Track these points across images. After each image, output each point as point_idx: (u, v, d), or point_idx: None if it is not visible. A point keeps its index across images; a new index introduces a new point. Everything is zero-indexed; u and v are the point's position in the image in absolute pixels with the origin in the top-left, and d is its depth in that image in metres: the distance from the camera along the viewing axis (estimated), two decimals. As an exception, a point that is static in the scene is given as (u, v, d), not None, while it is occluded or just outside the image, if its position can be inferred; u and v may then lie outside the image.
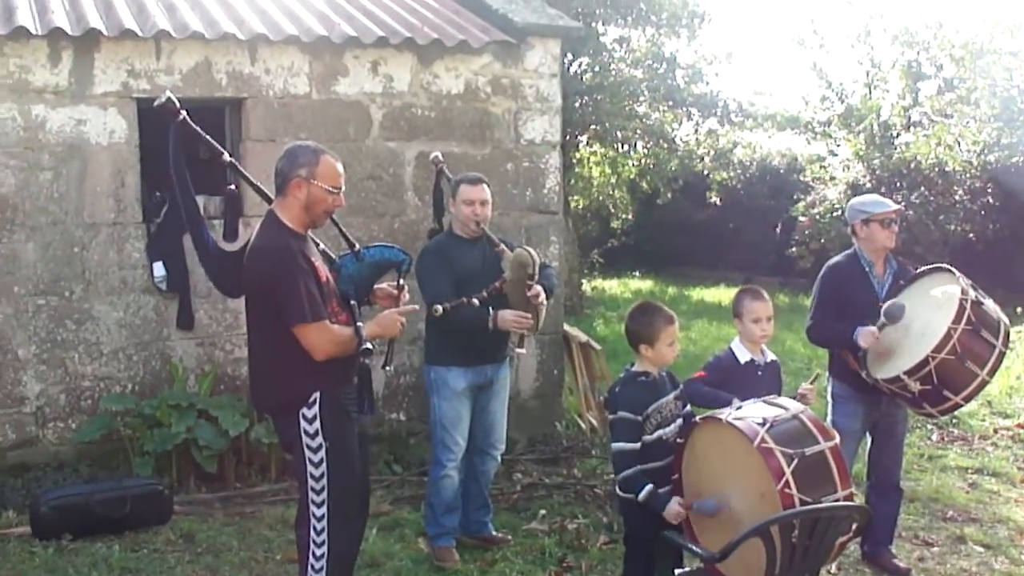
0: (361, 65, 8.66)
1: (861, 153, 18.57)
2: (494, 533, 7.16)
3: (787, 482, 4.73)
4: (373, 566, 6.63)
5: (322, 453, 5.06)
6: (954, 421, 10.19)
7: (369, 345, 4.98)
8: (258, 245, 5.07)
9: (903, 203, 12.09)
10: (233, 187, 6.36)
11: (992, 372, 6.22)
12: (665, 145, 19.03)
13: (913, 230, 15.96)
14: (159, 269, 8.18)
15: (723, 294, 18.90)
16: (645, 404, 5.28)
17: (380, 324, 5.22)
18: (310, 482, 5.12)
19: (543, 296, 6.67)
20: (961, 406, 6.45)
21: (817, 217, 18.61)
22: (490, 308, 6.55)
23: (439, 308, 6.29)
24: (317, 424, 5.03)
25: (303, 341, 4.91)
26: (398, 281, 5.55)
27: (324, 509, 5.15)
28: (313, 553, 5.20)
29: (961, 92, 17.65)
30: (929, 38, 18.65)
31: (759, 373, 5.90)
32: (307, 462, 5.09)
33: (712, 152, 20.00)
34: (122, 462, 7.87)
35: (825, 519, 4.74)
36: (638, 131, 18.25)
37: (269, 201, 5.35)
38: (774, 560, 4.69)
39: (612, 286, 20.62)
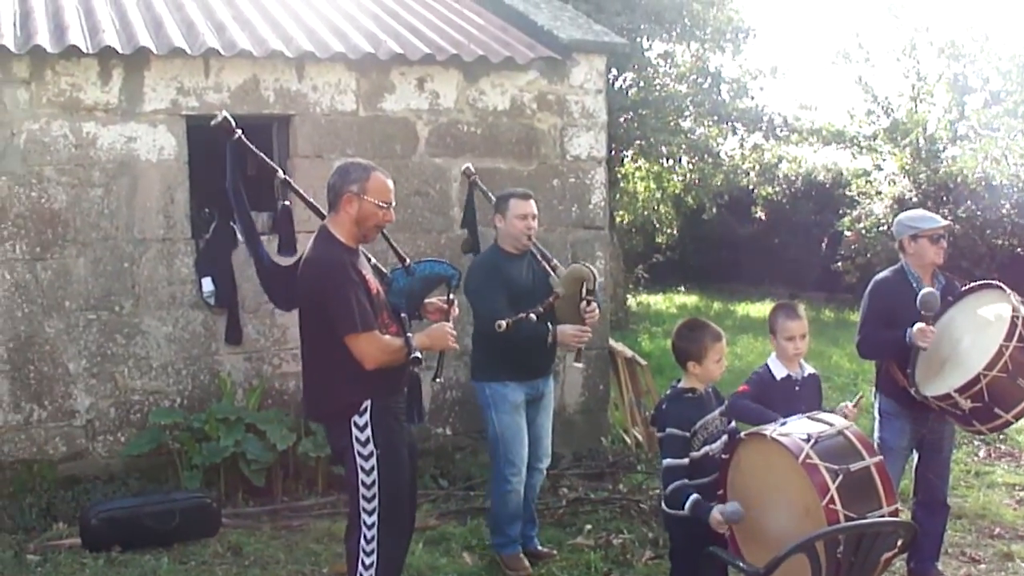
0: (407, 82, 8.71)
1: (907, 167, 18.45)
2: (540, 548, 7.15)
3: (832, 498, 4.72)
4: (420, 580, 6.66)
5: (373, 461, 5.16)
6: (1001, 437, 10.09)
7: (418, 354, 5.06)
8: (311, 258, 5.20)
9: (950, 217, 12.00)
10: (287, 203, 6.42)
11: (1046, 389, 6.17)
12: (710, 160, 18.99)
13: (959, 244, 15.83)
14: (208, 284, 8.24)
15: (768, 310, 18.72)
16: (692, 420, 5.26)
17: (430, 336, 5.36)
18: (361, 490, 5.20)
19: (598, 312, 6.73)
20: (1012, 423, 6.37)
21: (863, 232, 18.50)
22: (548, 323, 6.59)
23: (502, 324, 6.24)
24: (368, 432, 5.14)
25: (354, 350, 5.02)
26: (448, 295, 5.63)
27: (375, 518, 5.23)
28: (362, 562, 5.27)
29: (1008, 105, 17.50)
30: (976, 51, 18.49)
31: (796, 388, 5.88)
32: (359, 470, 5.18)
33: (757, 167, 19.98)
34: (171, 475, 7.93)
35: (870, 535, 4.72)
36: (683, 146, 18.22)
37: (322, 216, 5.50)
38: (820, 575, 4.68)
39: (657, 301, 20.59)
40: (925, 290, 6.27)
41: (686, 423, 5.24)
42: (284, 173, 6.40)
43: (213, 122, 5.75)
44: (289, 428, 8.05)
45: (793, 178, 21.21)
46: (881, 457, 5.04)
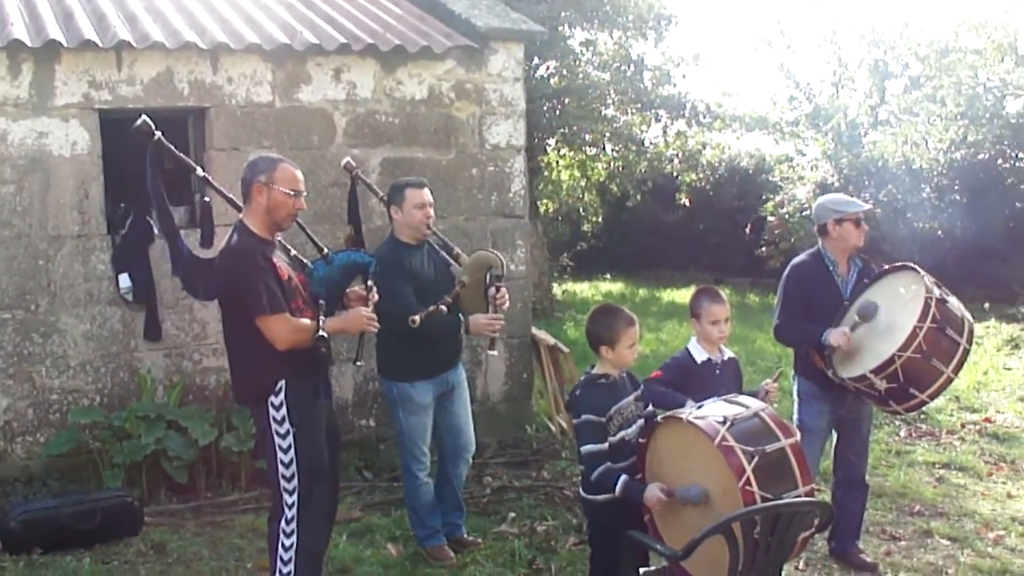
0: (324, 72, 8.71)
1: (829, 152, 18.72)
2: (467, 536, 7.22)
3: (748, 479, 4.79)
4: (343, 572, 6.68)
5: (290, 439, 5.38)
6: (922, 416, 10.29)
7: (323, 334, 5.28)
8: (225, 250, 5.45)
9: (871, 201, 12.19)
10: (207, 199, 6.53)
11: (957, 369, 6.30)
12: (634, 148, 19.11)
13: (881, 228, 16.08)
14: (125, 280, 8.20)
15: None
16: (607, 406, 5.32)
17: (345, 320, 5.62)
18: (280, 469, 5.41)
19: (507, 298, 6.79)
20: (927, 403, 6.51)
21: (786, 217, 18.75)
22: (459, 314, 6.64)
23: (416, 319, 6.26)
24: (284, 411, 5.38)
25: (265, 332, 5.27)
26: (367, 283, 5.77)
27: (295, 497, 5.42)
28: (282, 544, 5.46)
29: (927, 90, 17.84)
30: (895, 37, 18.84)
31: (717, 372, 5.96)
32: (277, 449, 5.40)
33: (681, 154, 20.12)
34: (92, 475, 7.88)
35: (787, 515, 4.79)
36: (606, 134, 18.33)
37: (239, 210, 5.67)
38: (737, 557, 4.75)
39: (583, 289, 20.70)
40: (867, 301, 6.42)
41: (601, 409, 5.31)
42: (202, 169, 6.50)
43: (134, 126, 5.89)
44: (211, 424, 8.04)
45: (716, 165, 21.42)
46: (797, 438, 5.12)
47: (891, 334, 6.31)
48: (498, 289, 6.70)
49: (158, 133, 5.90)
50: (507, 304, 6.81)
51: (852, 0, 22.61)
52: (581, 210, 20.30)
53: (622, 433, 5.36)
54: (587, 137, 18.07)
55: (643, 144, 19.40)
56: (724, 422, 4.99)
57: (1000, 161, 16.93)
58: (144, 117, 5.88)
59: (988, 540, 7.45)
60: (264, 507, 7.51)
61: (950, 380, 6.33)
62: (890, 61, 18.96)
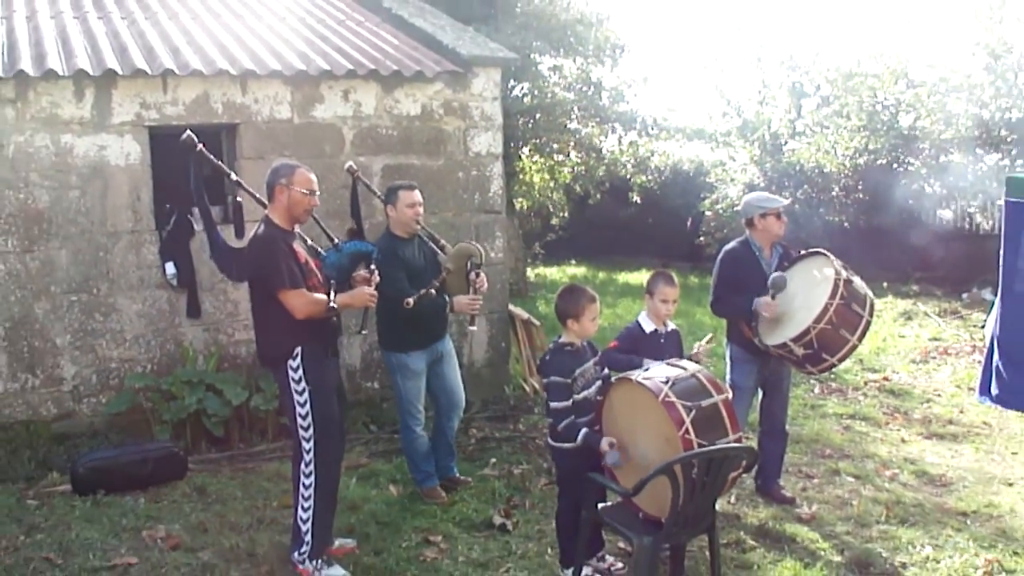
0: (334, 93, 8.71)
1: (755, 158, 18.73)
2: (459, 476, 7.28)
3: (687, 429, 4.87)
4: (353, 509, 6.73)
5: (306, 395, 5.50)
6: (832, 376, 10.39)
7: (334, 305, 5.41)
8: (253, 238, 5.56)
9: (790, 199, 12.23)
10: (239, 199, 6.64)
11: (861, 337, 6.37)
12: (594, 155, 19.07)
13: (799, 221, 16.13)
14: (170, 268, 8.22)
15: (644, 277, 18.62)
16: (572, 369, 5.39)
17: (352, 296, 5.71)
18: (298, 420, 5.53)
19: (486, 282, 6.86)
20: (836, 366, 6.58)
21: (720, 212, 18.79)
22: (445, 296, 6.69)
23: (410, 301, 6.35)
24: (301, 372, 5.49)
25: (286, 304, 5.39)
26: (370, 267, 5.87)
27: (311, 444, 5.54)
28: (303, 484, 5.58)
29: (836, 107, 17.83)
30: (809, 63, 18.82)
31: (662, 340, 6.03)
32: (295, 404, 5.52)
33: (633, 160, 20.07)
34: (144, 429, 7.91)
35: (719, 458, 4.87)
36: (571, 143, 18.30)
37: (265, 207, 5.74)
38: (678, 493, 4.83)
39: (552, 272, 20.71)
40: (776, 275, 6.47)
41: (567, 371, 5.37)
42: (235, 174, 6.56)
43: (180, 139, 5.94)
44: (242, 387, 8.08)
45: (663, 169, 21.38)
46: (728, 395, 5.19)
47: (807, 309, 6.38)
48: (477, 275, 6.78)
49: (200, 145, 5.97)
50: (486, 287, 6.90)
51: (774, 31, 22.64)
52: (550, 207, 20.23)
53: (584, 392, 5.43)
54: (555, 146, 18.04)
55: (601, 152, 19.35)
56: (667, 382, 5.06)
57: (895, 166, 17.00)
58: (188, 132, 5.94)
59: (885, 477, 7.58)
60: (287, 456, 7.53)
61: (855, 347, 6.42)
62: (805, 83, 18.92)
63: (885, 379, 10.79)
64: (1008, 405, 9.41)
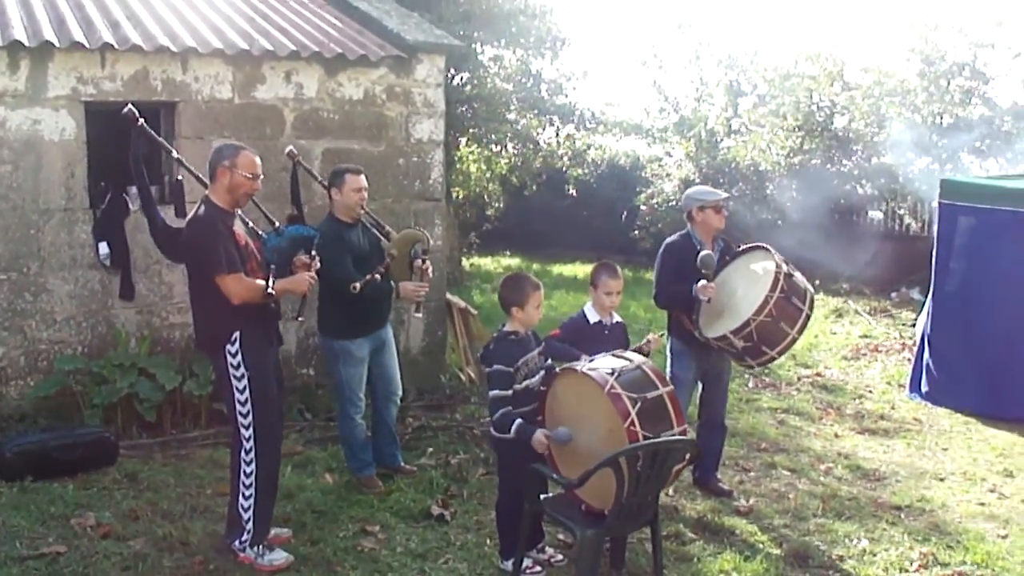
0: (276, 74, 8.55)
1: (691, 154, 18.80)
2: (403, 464, 7.19)
3: (632, 421, 4.85)
4: (289, 497, 6.59)
5: (245, 382, 5.36)
6: (766, 372, 10.46)
7: (271, 291, 5.27)
8: (191, 219, 5.42)
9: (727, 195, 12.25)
10: (180, 178, 6.42)
11: (800, 331, 6.44)
12: (531, 146, 19.08)
13: (733, 217, 16.10)
14: (104, 248, 8.01)
15: (578, 269, 19.06)
16: (515, 358, 5.34)
17: (292, 282, 5.59)
18: (237, 407, 5.39)
19: (431, 269, 6.78)
20: (776, 359, 6.64)
21: (655, 206, 18.85)
22: (391, 282, 6.58)
23: (356, 286, 6.24)
24: (239, 358, 5.36)
25: (223, 289, 5.24)
26: (310, 252, 5.73)
27: (251, 431, 5.41)
28: (243, 472, 5.45)
29: (772, 107, 17.97)
30: (747, 63, 18.93)
31: (606, 332, 6.01)
32: (234, 391, 5.38)
33: (570, 152, 20.08)
34: (74, 414, 7.68)
35: (663, 451, 4.86)
36: (509, 134, 18.26)
37: (206, 187, 5.58)
38: (623, 485, 4.79)
39: (487, 263, 20.63)
40: (703, 252, 6.47)
41: (510, 360, 5.32)
42: (176, 152, 6.36)
43: (121, 112, 5.81)
44: (175, 371, 7.89)
45: (599, 162, 21.37)
46: (672, 387, 5.18)
47: (747, 302, 6.43)
48: (424, 261, 6.69)
49: (142, 120, 5.82)
50: (432, 274, 6.80)
51: (712, 30, 22.74)
52: (486, 197, 20.18)
53: (527, 382, 5.38)
54: (492, 136, 18.00)
55: (538, 144, 19.37)
56: (612, 373, 5.02)
57: (828, 166, 17.20)
58: (130, 105, 5.80)
59: (820, 471, 7.66)
60: (221, 443, 7.47)
61: (795, 340, 6.49)
62: (742, 82, 19.02)
63: (818, 375, 10.90)
64: (937, 402, 9.65)
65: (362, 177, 6.69)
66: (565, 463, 5.21)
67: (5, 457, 6.84)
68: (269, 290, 5.27)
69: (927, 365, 9.91)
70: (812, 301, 6.52)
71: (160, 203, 7.27)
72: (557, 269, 19.38)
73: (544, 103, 18.22)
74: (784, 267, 6.37)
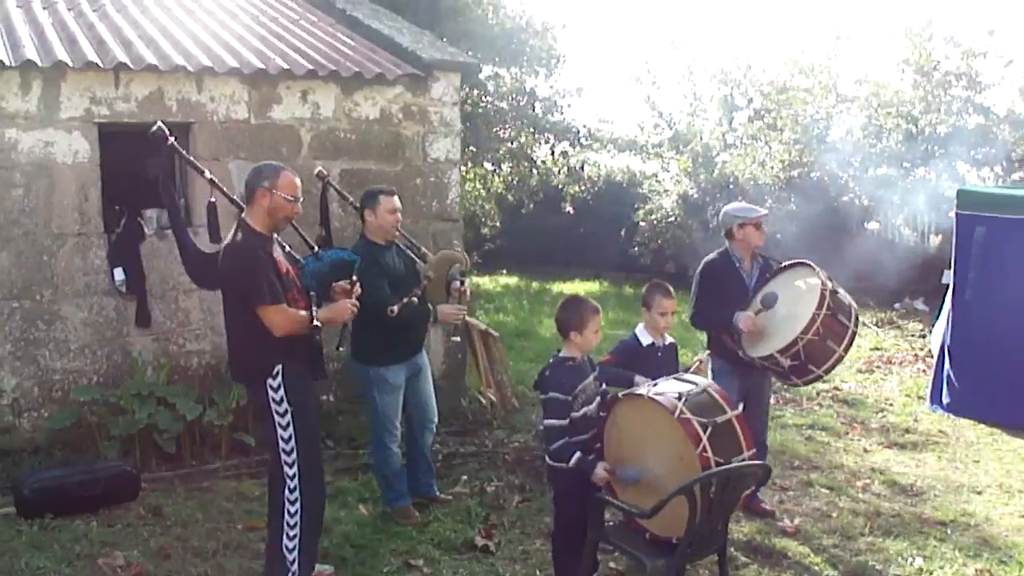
0: (292, 94, 8.30)
1: (688, 170, 18.64)
2: (438, 494, 6.90)
3: (704, 446, 4.62)
4: (325, 531, 6.14)
5: (288, 417, 5.02)
6: (785, 387, 10.17)
7: (318, 323, 4.94)
8: (228, 245, 5.05)
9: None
10: (213, 199, 6.02)
11: (847, 348, 6.29)
12: (527, 164, 19.00)
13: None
14: (119, 274, 7.71)
15: (578, 287, 18.90)
16: (573, 385, 5.03)
17: (333, 310, 5.25)
18: (280, 444, 5.05)
19: (469, 291, 6.53)
20: (822, 377, 6.48)
21: (654, 222, 18.69)
22: (429, 305, 6.30)
23: (394, 309, 5.93)
24: (282, 392, 5.02)
25: (264, 320, 4.90)
26: (351, 278, 5.40)
27: (295, 469, 5.07)
28: (288, 511, 5.10)
29: (768, 120, 17.84)
30: (740, 77, 18.82)
31: (659, 354, 5.81)
32: (276, 426, 5.04)
33: (565, 169, 19.99)
34: (90, 446, 7.36)
35: (736, 476, 4.62)
36: (504, 152, 18.15)
37: (241, 210, 5.28)
38: (695, 513, 4.54)
39: (484, 282, 20.39)
40: (769, 291, 6.32)
41: (568, 388, 5.01)
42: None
43: (150, 131, 5.57)
44: (195, 400, 7.56)
45: (595, 179, 21.23)
46: (741, 410, 4.95)
47: (794, 320, 6.24)
48: (462, 283, 6.46)
49: (172, 138, 5.54)
50: (469, 296, 6.54)
51: (705, 45, 22.63)
52: (482, 216, 19.99)
53: (585, 409, 5.07)
54: (487, 155, 17.90)
55: (534, 161, 19.26)
56: (680, 397, 4.79)
57: (826, 179, 17.05)
58: (159, 123, 5.52)
59: (857, 488, 7.46)
60: (244, 473, 7.22)
61: (841, 357, 6.32)
62: (736, 96, 18.92)
63: (836, 389, 10.69)
64: (960, 413, 9.49)
65: (395, 198, 6.40)
66: (627, 492, 4.94)
67: (23, 494, 6.48)
68: (316, 321, 4.95)
69: (948, 376, 9.73)
70: (857, 318, 6.34)
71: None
72: (556, 287, 19.15)
73: (539, 121, 18.20)
74: (829, 283, 6.20)
